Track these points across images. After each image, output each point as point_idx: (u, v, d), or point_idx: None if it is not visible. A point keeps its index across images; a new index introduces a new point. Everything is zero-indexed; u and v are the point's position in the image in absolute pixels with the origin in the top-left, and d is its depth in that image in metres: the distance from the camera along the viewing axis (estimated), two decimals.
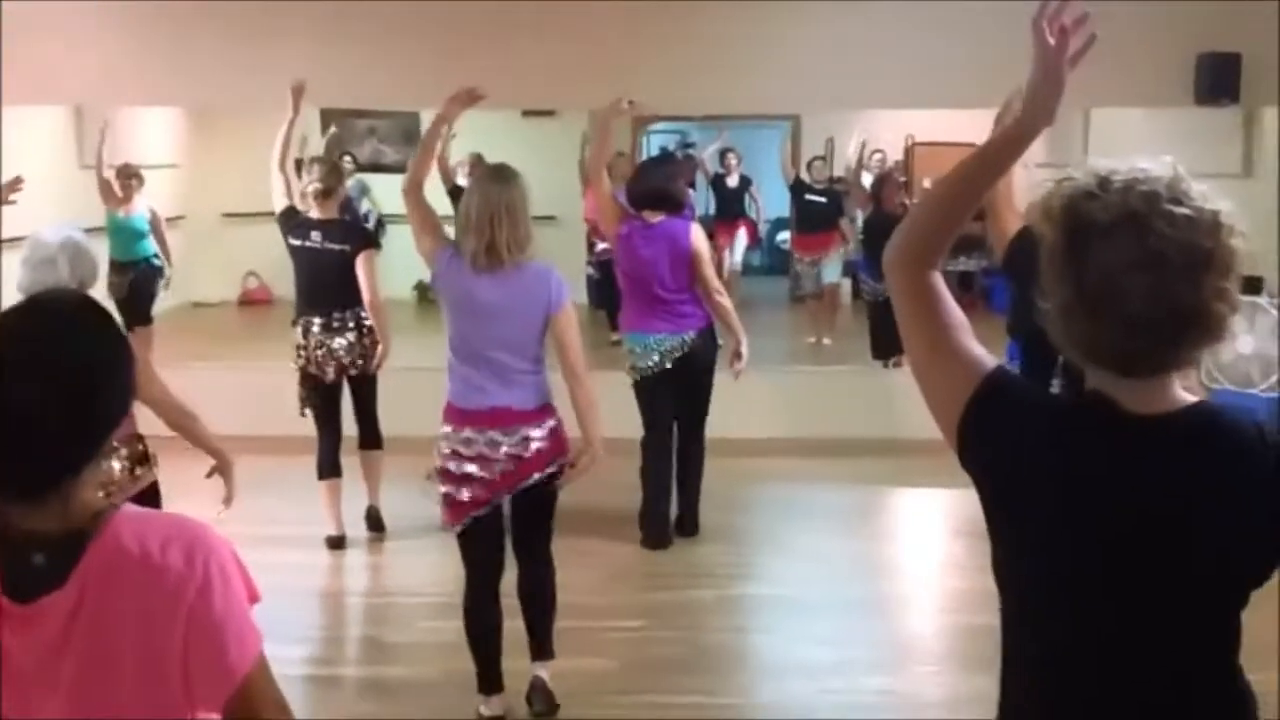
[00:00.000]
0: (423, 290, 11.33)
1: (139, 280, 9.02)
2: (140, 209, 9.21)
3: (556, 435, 4.11)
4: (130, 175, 9.15)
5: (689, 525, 6.21)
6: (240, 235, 12.59)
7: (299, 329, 5.93)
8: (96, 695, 1.60)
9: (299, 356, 5.93)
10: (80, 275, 3.77)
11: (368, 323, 5.91)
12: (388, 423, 6.22)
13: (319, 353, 5.89)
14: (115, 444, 3.53)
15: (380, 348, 5.93)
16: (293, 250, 5.92)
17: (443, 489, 4.10)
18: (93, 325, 1.70)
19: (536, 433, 4.05)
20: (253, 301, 13.54)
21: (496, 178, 4.13)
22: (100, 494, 3.16)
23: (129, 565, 1.61)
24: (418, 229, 4.20)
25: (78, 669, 1.59)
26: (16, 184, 4.21)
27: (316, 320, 5.89)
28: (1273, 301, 7.35)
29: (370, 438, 6.21)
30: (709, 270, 6.04)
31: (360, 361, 5.95)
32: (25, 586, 1.58)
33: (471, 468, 4.03)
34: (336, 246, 5.85)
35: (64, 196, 10.06)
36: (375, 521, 6.23)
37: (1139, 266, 1.58)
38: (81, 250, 3.82)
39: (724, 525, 6.32)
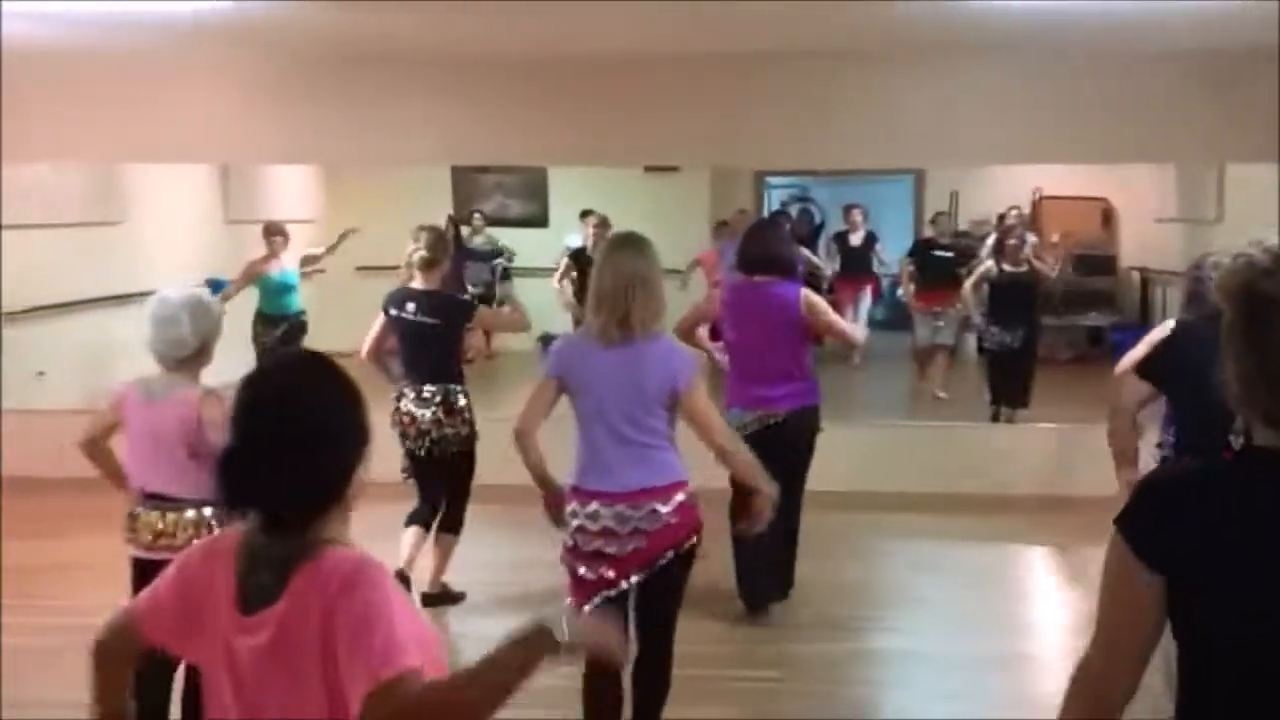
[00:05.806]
0: (546, 341, 11.45)
1: (286, 335, 9.10)
2: (288, 264, 9.34)
3: (687, 509, 3.89)
4: (275, 232, 9.26)
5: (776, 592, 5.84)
6: (374, 288, 12.88)
7: (396, 394, 5.82)
8: (291, 695, 1.84)
9: (394, 422, 5.76)
10: (202, 332, 3.88)
11: (461, 401, 5.77)
12: (490, 471, 5.77)
13: (405, 419, 5.75)
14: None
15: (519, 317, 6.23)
16: (391, 321, 5.83)
17: (570, 567, 3.94)
18: (324, 381, 1.96)
19: (665, 508, 3.83)
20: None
21: (626, 246, 3.96)
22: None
23: (317, 587, 1.84)
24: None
25: (281, 671, 1.85)
26: None
27: (410, 390, 5.77)
28: None
29: (449, 521, 5.91)
30: (832, 316, 5.96)
31: (446, 439, 5.75)
32: (251, 600, 1.88)
33: (599, 544, 3.85)
34: (430, 320, 5.74)
35: (210, 248, 10.55)
36: (444, 598, 5.92)
37: None
38: (204, 308, 3.91)
39: (853, 578, 6.30)
